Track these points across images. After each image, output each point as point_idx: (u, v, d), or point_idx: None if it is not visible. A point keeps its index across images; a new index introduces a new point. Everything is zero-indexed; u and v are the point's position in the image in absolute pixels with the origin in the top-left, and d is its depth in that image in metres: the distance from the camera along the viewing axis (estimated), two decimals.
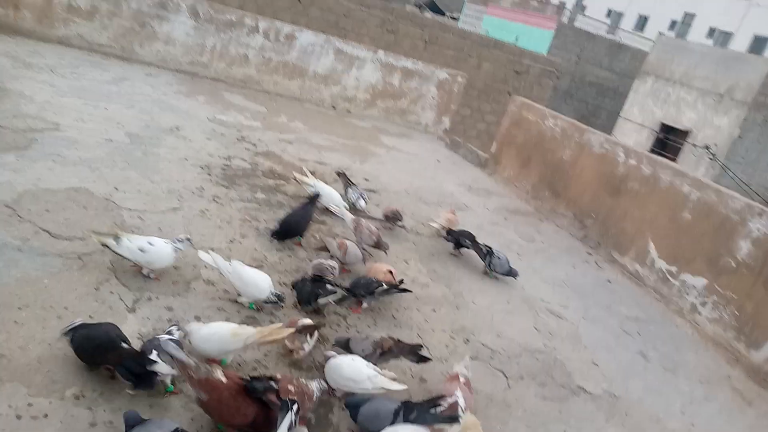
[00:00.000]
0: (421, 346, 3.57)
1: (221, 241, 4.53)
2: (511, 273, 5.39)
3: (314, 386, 2.94)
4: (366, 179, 7.13)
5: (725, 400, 4.76)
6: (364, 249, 4.75)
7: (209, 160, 6.14)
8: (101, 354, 2.86)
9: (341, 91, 11.00)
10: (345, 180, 6.17)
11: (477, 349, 4.21)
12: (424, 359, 3.53)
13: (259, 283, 3.74)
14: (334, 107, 10.96)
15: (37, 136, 5.29)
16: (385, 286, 4.09)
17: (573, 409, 3.89)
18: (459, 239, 5.61)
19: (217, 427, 2.81)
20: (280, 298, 3.76)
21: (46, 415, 2.61)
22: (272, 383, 2.78)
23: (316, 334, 3.50)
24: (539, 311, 5.13)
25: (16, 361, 2.83)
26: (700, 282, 6.08)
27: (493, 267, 5.38)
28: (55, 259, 3.66)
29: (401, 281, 4.28)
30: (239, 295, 3.80)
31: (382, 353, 3.39)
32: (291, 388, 2.80)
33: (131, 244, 3.62)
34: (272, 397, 2.73)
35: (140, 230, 4.28)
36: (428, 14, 23.86)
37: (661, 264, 6.53)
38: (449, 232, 5.71)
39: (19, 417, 2.55)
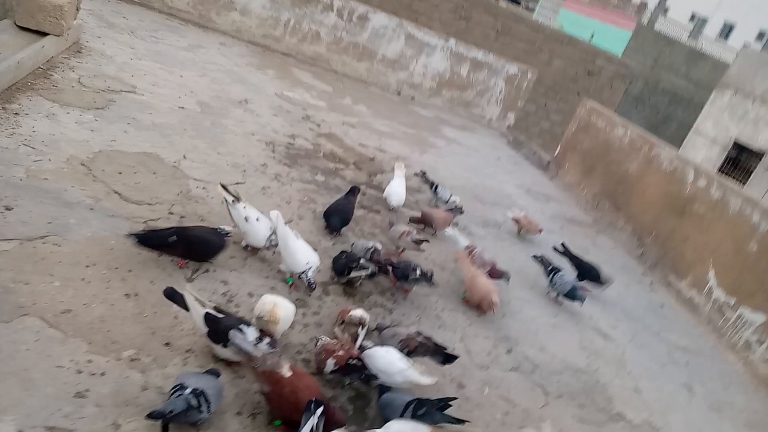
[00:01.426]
0: (446, 347, 3.56)
1: None
2: (576, 297, 5.02)
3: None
4: (423, 171, 7.10)
5: None
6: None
7: (274, 136, 6.24)
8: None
9: (408, 77, 10.95)
10: (425, 178, 6.25)
11: (519, 362, 4.17)
12: (450, 359, 3.51)
13: (298, 255, 3.83)
14: (398, 93, 10.93)
15: (115, 98, 5.48)
16: (418, 273, 4.19)
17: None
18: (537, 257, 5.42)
19: (273, 423, 2.86)
20: (310, 286, 3.84)
21: (103, 373, 2.73)
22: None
23: (366, 324, 3.55)
24: (586, 329, 5.04)
25: (80, 317, 2.98)
26: (760, 318, 5.84)
27: (554, 285, 5.11)
28: (123, 222, 3.80)
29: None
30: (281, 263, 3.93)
31: (408, 352, 3.42)
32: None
33: (243, 211, 3.93)
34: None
35: (204, 202, 4.41)
36: (503, 3, 23.39)
37: (719, 294, 6.30)
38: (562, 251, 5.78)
39: (79, 372, 2.69)
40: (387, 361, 3.22)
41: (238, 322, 3.05)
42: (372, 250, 4.29)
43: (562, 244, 5.87)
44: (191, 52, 7.95)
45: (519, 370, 4.08)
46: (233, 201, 3.99)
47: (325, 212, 4.82)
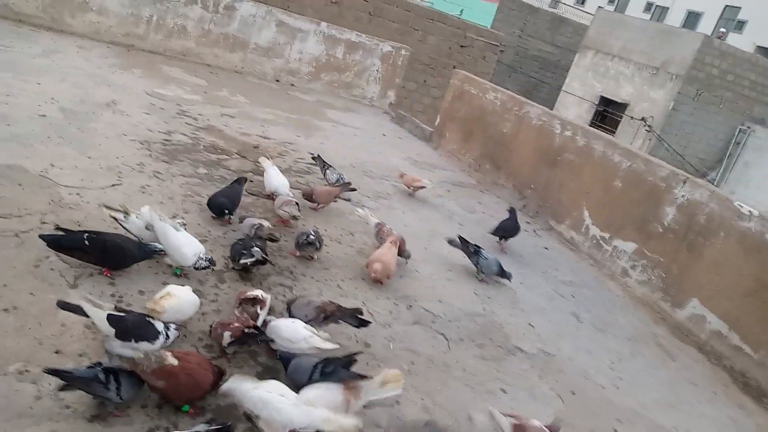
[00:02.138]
0: (361, 311, 3.70)
1: None
2: (504, 275, 5.17)
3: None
4: (311, 154, 7.15)
5: (651, 355, 5.11)
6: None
7: (149, 135, 6.03)
8: None
9: (284, 64, 10.89)
10: (321, 162, 6.25)
11: (419, 315, 4.37)
12: (364, 323, 3.67)
13: (184, 249, 3.76)
14: (277, 80, 10.85)
15: None
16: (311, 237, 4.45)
17: (509, 368, 4.12)
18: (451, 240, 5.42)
19: (181, 409, 2.84)
20: (211, 262, 3.84)
21: None
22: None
23: (267, 304, 3.58)
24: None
25: None
26: (631, 247, 6.44)
27: (481, 268, 5.20)
28: None
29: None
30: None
31: (325, 317, 3.52)
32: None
33: (139, 221, 3.83)
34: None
35: (79, 207, 4.22)
36: None
37: (594, 231, 6.87)
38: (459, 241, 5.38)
39: None
40: (292, 330, 3.31)
41: (142, 317, 3.01)
42: (257, 226, 4.33)
43: (459, 237, 5.37)
44: (47, 58, 7.46)
45: (420, 323, 4.28)
46: (124, 216, 3.83)
47: (208, 200, 4.75)
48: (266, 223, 4.48)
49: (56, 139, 5.19)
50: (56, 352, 2.92)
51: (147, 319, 3.02)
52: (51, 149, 4.96)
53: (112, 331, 2.87)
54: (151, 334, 2.95)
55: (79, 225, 3.97)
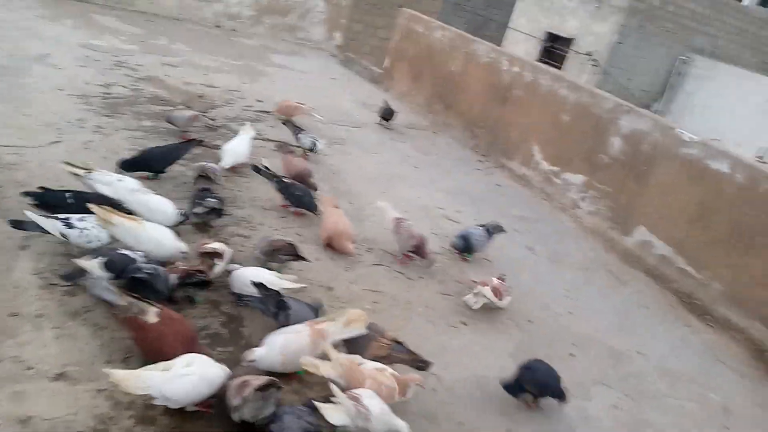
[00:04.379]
0: (295, 245, 3.79)
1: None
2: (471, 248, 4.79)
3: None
4: (259, 101, 6.98)
5: (603, 282, 5.34)
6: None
7: (86, 88, 5.75)
8: None
9: (224, 8, 10.44)
10: (292, 127, 5.86)
11: (380, 257, 4.44)
12: (299, 258, 3.79)
13: (166, 208, 3.75)
14: (218, 26, 10.42)
15: None
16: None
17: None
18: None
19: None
20: (186, 216, 3.84)
21: None
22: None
23: (227, 255, 3.56)
24: (436, 218, 5.43)
25: None
26: (580, 179, 6.62)
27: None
28: None
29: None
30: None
31: (273, 250, 3.69)
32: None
33: (105, 176, 3.71)
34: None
35: (19, 167, 4.03)
36: None
37: (544, 165, 7.02)
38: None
39: None
40: (254, 273, 3.35)
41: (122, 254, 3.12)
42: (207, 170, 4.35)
43: (264, 167, 4.69)
44: None
45: (381, 264, 4.34)
46: (86, 173, 3.67)
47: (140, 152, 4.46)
48: (216, 166, 4.45)
49: None
50: (13, 314, 2.84)
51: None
52: None
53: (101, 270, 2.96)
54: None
55: (22, 186, 3.79)
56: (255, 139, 5.36)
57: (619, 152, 6.26)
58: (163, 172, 4.54)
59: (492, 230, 4.87)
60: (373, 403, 2.60)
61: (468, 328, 3.95)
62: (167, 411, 2.57)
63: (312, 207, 4.63)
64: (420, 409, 3.06)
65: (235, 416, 2.50)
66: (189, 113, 5.38)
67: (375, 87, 9.68)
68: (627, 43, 22.90)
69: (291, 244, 3.80)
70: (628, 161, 6.18)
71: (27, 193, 3.40)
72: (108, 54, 6.97)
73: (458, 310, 4.09)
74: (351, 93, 8.82)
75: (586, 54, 23.12)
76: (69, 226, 3.20)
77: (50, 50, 6.44)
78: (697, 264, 5.48)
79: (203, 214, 3.98)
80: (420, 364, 3.13)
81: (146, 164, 4.42)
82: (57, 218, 3.20)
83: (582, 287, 5.09)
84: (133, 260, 3.08)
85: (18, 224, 3.15)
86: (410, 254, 4.43)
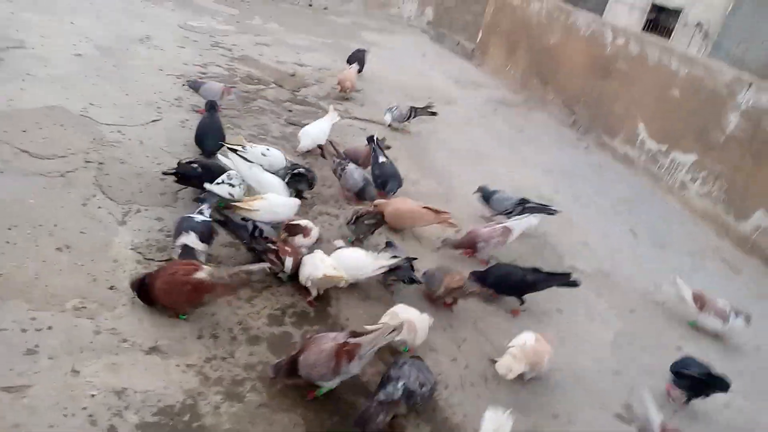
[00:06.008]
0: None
1: None
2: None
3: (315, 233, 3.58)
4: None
5: (713, 269, 4.90)
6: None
7: (185, 68, 5.92)
8: None
9: None
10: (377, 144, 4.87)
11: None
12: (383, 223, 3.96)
13: (276, 185, 3.88)
14: (310, 5, 10.47)
15: (3, 56, 5.06)
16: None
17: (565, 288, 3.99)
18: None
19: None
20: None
21: (50, 327, 2.65)
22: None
23: (313, 234, 3.55)
24: (531, 198, 5.15)
25: (14, 279, 2.85)
26: (690, 159, 6.09)
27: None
28: (38, 179, 3.60)
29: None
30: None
31: (357, 218, 3.82)
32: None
33: (253, 150, 4.07)
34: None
35: (121, 144, 4.20)
36: None
37: (651, 144, 6.51)
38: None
39: (24, 330, 2.60)
40: (356, 260, 3.37)
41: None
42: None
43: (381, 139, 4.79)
44: None
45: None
46: (243, 148, 3.98)
47: (195, 136, 4.41)
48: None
49: (94, 77, 5.15)
50: (111, 288, 2.95)
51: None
52: (90, 88, 4.93)
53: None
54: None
55: (122, 163, 3.96)
56: (342, 118, 5.30)
57: (737, 129, 5.68)
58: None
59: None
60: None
61: (563, 315, 3.73)
62: (255, 388, 2.58)
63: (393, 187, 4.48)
64: (510, 400, 2.90)
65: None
66: (219, 85, 5.07)
67: (468, 63, 9.39)
68: (742, 11, 20.96)
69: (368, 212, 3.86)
70: (746, 139, 5.60)
71: (165, 173, 3.77)
72: (205, 35, 7.17)
73: (552, 298, 3.85)
74: (443, 69, 8.60)
75: (696, 25, 21.42)
76: (231, 186, 3.76)
77: (152, 32, 6.69)
78: None
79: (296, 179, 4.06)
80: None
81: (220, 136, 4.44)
82: (223, 182, 3.74)
83: (689, 274, 4.66)
84: None
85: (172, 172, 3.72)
86: None
